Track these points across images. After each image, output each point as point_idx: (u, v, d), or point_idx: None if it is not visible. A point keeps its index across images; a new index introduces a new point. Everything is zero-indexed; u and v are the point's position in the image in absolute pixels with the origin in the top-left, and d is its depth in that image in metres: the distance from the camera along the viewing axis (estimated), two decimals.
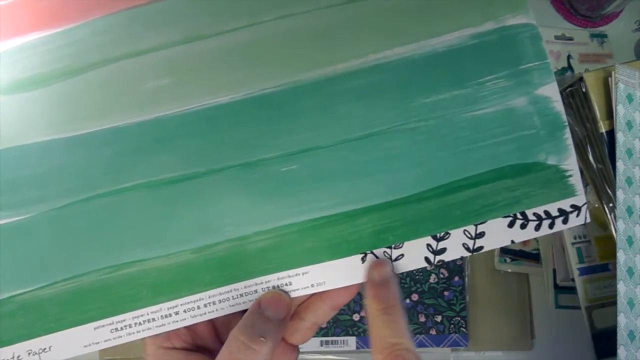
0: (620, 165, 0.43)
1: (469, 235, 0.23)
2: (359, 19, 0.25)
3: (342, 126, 0.24)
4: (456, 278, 0.50)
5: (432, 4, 0.24)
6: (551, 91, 0.23)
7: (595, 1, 0.53)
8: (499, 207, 0.23)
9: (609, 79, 0.44)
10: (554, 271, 0.49)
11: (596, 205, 0.47)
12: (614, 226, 0.43)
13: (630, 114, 0.44)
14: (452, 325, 0.48)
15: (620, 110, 0.44)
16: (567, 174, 0.23)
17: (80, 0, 0.29)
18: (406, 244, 0.23)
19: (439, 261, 0.23)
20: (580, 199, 0.23)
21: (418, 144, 0.23)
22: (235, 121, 0.25)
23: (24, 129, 0.26)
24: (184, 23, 0.27)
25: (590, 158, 0.46)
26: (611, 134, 0.44)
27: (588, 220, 0.23)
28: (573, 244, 0.47)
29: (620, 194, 0.43)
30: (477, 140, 0.23)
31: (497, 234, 0.23)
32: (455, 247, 0.23)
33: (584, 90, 0.45)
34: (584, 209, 0.23)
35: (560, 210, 0.23)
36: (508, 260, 0.52)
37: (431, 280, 0.50)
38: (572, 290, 0.47)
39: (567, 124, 0.23)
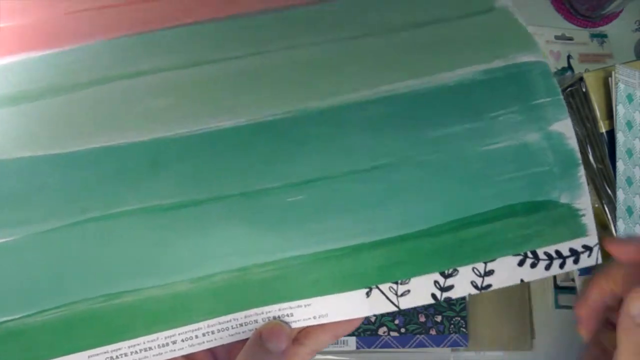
0: (620, 165, 0.43)
1: (477, 273, 0.22)
2: (369, 52, 0.24)
3: (350, 157, 0.23)
4: None
5: (442, 40, 0.24)
6: (565, 127, 0.22)
7: (595, 1, 0.53)
8: (509, 245, 0.22)
9: (609, 79, 0.44)
10: None
11: (596, 205, 0.47)
12: (614, 226, 0.43)
13: (630, 114, 0.44)
14: (452, 325, 0.48)
15: (620, 110, 0.44)
16: (580, 213, 0.22)
17: (81, 25, 0.28)
18: (413, 279, 0.22)
19: (446, 298, 0.22)
20: (592, 239, 0.22)
21: (428, 178, 0.23)
22: (238, 147, 0.23)
23: (7, 143, 0.24)
24: (187, 49, 0.26)
25: (590, 158, 0.46)
26: (611, 134, 0.44)
27: (600, 261, 0.22)
28: None
29: (620, 194, 0.43)
30: (489, 176, 0.22)
31: (507, 272, 0.22)
32: (463, 284, 0.22)
33: (584, 90, 0.45)
34: (595, 249, 0.22)
35: (571, 250, 0.22)
36: None
37: None
38: (572, 290, 0.47)
39: (581, 161, 0.22)
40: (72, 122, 0.25)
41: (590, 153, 0.46)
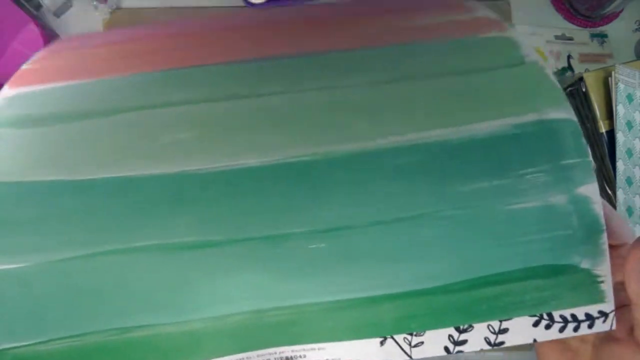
0: (620, 165, 0.43)
1: (492, 330, 0.22)
2: (400, 98, 0.24)
3: (376, 206, 0.22)
4: None
5: (474, 90, 0.24)
6: (592, 191, 0.22)
7: (595, 1, 0.53)
8: (526, 306, 0.22)
9: (609, 79, 0.44)
10: None
11: None
12: None
13: (630, 114, 0.44)
14: None
15: (620, 110, 0.44)
16: (599, 279, 0.22)
17: (108, 60, 0.28)
18: (428, 332, 0.22)
19: (458, 351, 0.22)
20: (609, 306, 0.22)
21: (452, 234, 0.22)
22: (263, 188, 0.23)
23: (26, 165, 0.24)
24: (218, 84, 0.25)
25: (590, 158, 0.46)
26: (611, 134, 0.44)
27: (614, 327, 0.22)
28: None
29: (620, 194, 0.43)
30: (513, 236, 0.22)
31: (521, 331, 0.22)
32: (476, 340, 0.22)
33: (584, 90, 0.45)
34: (611, 315, 0.22)
35: (587, 315, 0.22)
36: None
37: None
38: None
39: (604, 228, 0.22)
40: (94, 149, 0.24)
41: (590, 153, 0.46)
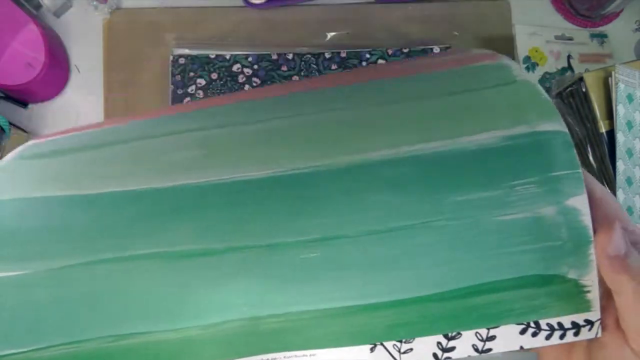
0: (620, 165, 0.43)
1: (480, 338, 0.23)
2: (393, 115, 0.25)
3: (369, 217, 0.23)
4: None
5: (466, 106, 0.24)
6: (581, 203, 0.22)
7: (595, 1, 0.53)
8: (515, 314, 0.22)
9: (609, 79, 0.44)
10: None
11: None
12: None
13: (630, 114, 0.44)
14: None
15: (620, 110, 0.44)
16: (586, 289, 0.22)
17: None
18: (417, 339, 0.23)
19: (446, 358, 0.23)
20: (595, 314, 0.22)
21: (443, 244, 0.23)
22: (260, 199, 0.23)
23: (30, 182, 0.25)
24: (220, 116, 0.27)
25: (590, 158, 0.46)
26: (611, 134, 0.44)
27: (599, 335, 0.22)
28: None
29: (620, 194, 0.43)
30: (503, 246, 0.22)
31: (508, 339, 0.22)
32: (464, 347, 0.23)
33: (584, 90, 0.45)
34: (597, 324, 0.22)
35: (573, 323, 0.23)
36: None
37: None
38: None
39: (592, 239, 0.22)
40: (98, 169, 0.25)
41: (590, 153, 0.46)
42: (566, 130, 0.23)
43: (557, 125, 0.23)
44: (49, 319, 0.23)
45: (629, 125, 0.44)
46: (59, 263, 0.23)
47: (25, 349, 0.23)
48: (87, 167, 0.26)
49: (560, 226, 0.22)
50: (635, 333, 0.21)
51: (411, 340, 0.23)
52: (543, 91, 0.24)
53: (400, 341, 0.23)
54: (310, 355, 0.23)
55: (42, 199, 0.25)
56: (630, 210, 0.43)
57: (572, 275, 0.22)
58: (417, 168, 0.23)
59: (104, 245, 0.23)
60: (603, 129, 0.45)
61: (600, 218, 0.22)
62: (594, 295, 0.22)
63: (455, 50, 0.33)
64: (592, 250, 0.22)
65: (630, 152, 0.44)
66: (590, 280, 0.22)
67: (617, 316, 0.22)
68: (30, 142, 0.30)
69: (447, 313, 0.23)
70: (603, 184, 0.45)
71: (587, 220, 0.22)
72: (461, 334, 0.23)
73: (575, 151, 0.23)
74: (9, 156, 0.28)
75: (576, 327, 0.22)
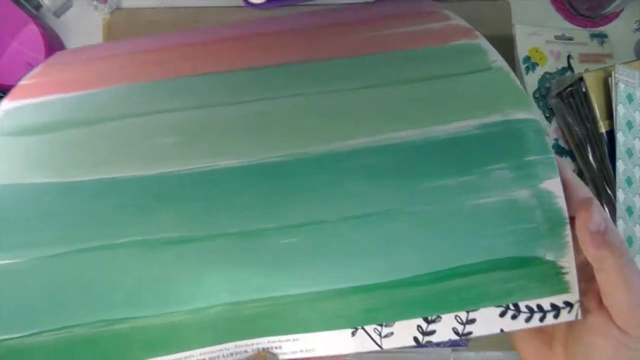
0: (620, 165, 0.43)
1: (459, 321, 0.23)
2: (369, 103, 0.25)
3: (344, 203, 0.23)
4: None
5: (440, 94, 0.25)
6: (555, 186, 0.23)
7: (595, 1, 0.53)
8: (492, 296, 0.23)
9: (609, 79, 0.44)
10: None
11: None
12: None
13: (630, 114, 0.44)
14: None
15: (620, 110, 0.44)
16: (564, 270, 0.23)
17: (100, 72, 0.30)
18: (397, 323, 0.23)
19: (427, 341, 0.23)
20: (573, 296, 0.23)
21: (419, 229, 0.23)
22: (238, 187, 0.24)
23: (21, 169, 0.26)
24: (199, 93, 0.27)
25: (590, 158, 0.46)
26: (611, 134, 0.44)
27: (579, 317, 0.22)
28: None
29: (620, 194, 0.43)
30: (478, 230, 0.23)
31: (488, 322, 0.23)
32: (445, 330, 0.23)
33: (584, 90, 0.45)
34: (576, 306, 0.23)
35: (552, 305, 0.23)
36: None
37: None
38: None
39: (567, 221, 0.22)
40: (81, 154, 0.26)
41: (590, 153, 0.46)
42: (537, 118, 0.24)
43: (528, 113, 0.24)
44: (41, 305, 0.23)
45: (629, 125, 0.44)
46: (48, 252, 0.24)
47: (18, 335, 0.23)
48: (68, 151, 0.26)
49: (535, 209, 0.22)
50: (619, 309, 0.21)
51: (392, 324, 0.23)
52: (516, 79, 0.25)
53: (381, 325, 0.23)
54: (294, 340, 0.23)
55: (26, 185, 0.25)
56: (630, 210, 0.43)
57: (549, 257, 0.22)
58: (392, 156, 0.23)
59: (91, 233, 0.24)
60: (603, 129, 0.45)
61: (576, 198, 0.23)
62: (571, 276, 0.22)
63: (428, 10, 0.32)
64: (567, 232, 0.22)
65: (630, 152, 0.44)
66: (568, 262, 0.22)
67: (599, 297, 0.22)
68: (9, 106, 0.29)
69: (424, 296, 0.23)
70: (603, 184, 0.45)
71: (561, 202, 0.22)
72: (441, 318, 0.23)
73: (546, 138, 0.23)
74: None
75: (555, 309, 0.23)
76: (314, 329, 0.23)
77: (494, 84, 0.25)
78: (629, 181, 0.43)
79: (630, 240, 0.42)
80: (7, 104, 0.30)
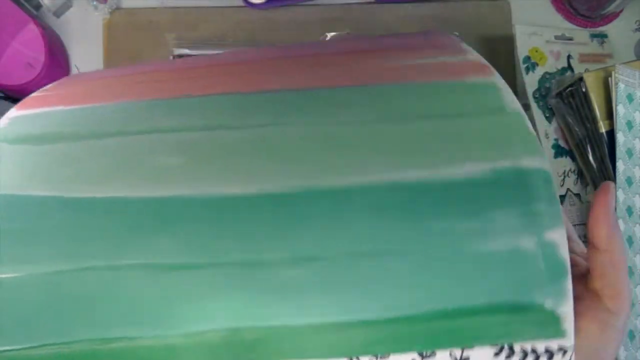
0: (620, 165, 0.43)
1: (454, 357, 0.23)
2: (382, 137, 0.25)
3: (350, 240, 0.23)
4: None
5: (454, 134, 0.25)
6: (559, 237, 0.23)
7: (595, 1, 0.53)
8: (489, 337, 0.23)
9: (609, 79, 0.44)
10: None
11: None
12: None
13: (630, 114, 0.44)
14: None
15: (620, 110, 0.44)
16: (562, 318, 0.23)
17: (109, 88, 0.30)
18: (392, 355, 0.23)
19: None
20: (568, 341, 0.23)
21: (421, 268, 0.23)
22: (245, 217, 0.24)
23: (23, 180, 0.25)
24: (209, 113, 0.27)
25: (590, 158, 0.46)
26: (611, 134, 0.44)
27: None
28: None
29: (620, 194, 0.43)
30: (479, 273, 0.23)
31: None
32: None
33: (584, 90, 0.45)
34: (570, 351, 0.23)
35: (547, 349, 0.23)
36: None
37: None
38: None
39: (569, 271, 0.22)
40: (85, 168, 0.26)
41: (590, 153, 0.46)
42: (548, 167, 0.24)
43: (540, 162, 0.24)
44: (41, 319, 0.24)
45: (629, 125, 0.44)
46: (49, 268, 0.24)
47: (19, 346, 0.24)
48: (72, 165, 0.26)
49: (537, 257, 0.23)
50: (613, 289, 0.23)
51: (387, 356, 0.23)
52: (529, 125, 0.25)
53: (376, 356, 0.24)
54: None
55: (28, 198, 0.25)
56: (630, 210, 0.43)
57: (548, 305, 0.23)
58: (402, 195, 0.23)
59: (93, 252, 0.24)
60: (603, 129, 0.45)
61: (600, 187, 0.25)
62: (569, 325, 0.23)
63: (444, 43, 0.31)
64: (569, 282, 0.22)
65: (630, 152, 0.44)
66: (567, 311, 0.22)
67: (585, 282, 0.24)
68: (15, 114, 0.29)
69: (421, 333, 0.23)
70: None
71: (564, 253, 0.23)
72: (435, 353, 0.23)
73: (555, 188, 0.24)
74: None
75: (549, 353, 0.23)
76: (311, 356, 0.24)
77: (507, 128, 0.25)
78: (629, 181, 0.43)
79: (630, 240, 0.42)
80: (14, 112, 0.30)
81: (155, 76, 0.32)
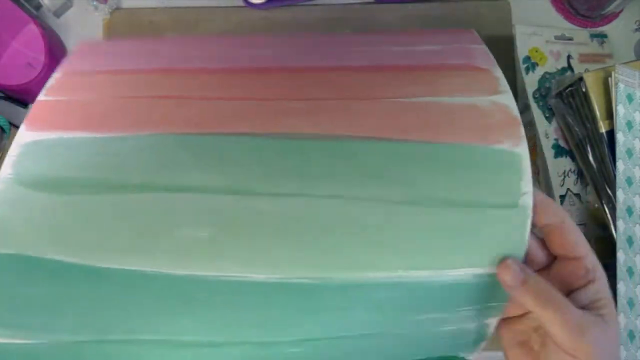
0: (620, 165, 0.43)
1: None
2: (399, 227, 0.26)
3: (348, 327, 0.26)
4: None
5: (463, 233, 0.26)
6: (494, 321, 0.27)
7: (595, 1, 0.53)
8: None
9: (609, 79, 0.44)
10: None
11: (596, 206, 0.47)
12: (614, 226, 0.43)
13: (630, 114, 0.44)
14: None
15: (620, 110, 0.44)
16: None
17: (132, 114, 0.28)
18: None
19: None
20: None
21: (395, 345, 0.27)
22: (264, 303, 0.25)
23: (40, 238, 0.24)
24: (235, 167, 0.26)
25: (590, 158, 0.46)
26: (611, 134, 0.44)
27: None
28: None
29: (620, 194, 0.43)
30: (432, 346, 0.28)
31: None
32: None
33: (584, 90, 0.45)
34: None
35: None
36: None
37: None
38: None
39: (484, 341, 0.28)
40: (109, 234, 0.25)
41: (590, 153, 0.46)
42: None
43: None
44: None
45: (629, 125, 0.44)
46: (69, 338, 0.24)
47: None
48: (95, 228, 0.25)
49: (472, 334, 0.27)
50: (576, 248, 0.26)
51: None
52: (528, 230, 0.26)
53: None
54: None
55: (47, 262, 0.24)
56: (630, 210, 0.43)
57: (462, 355, 0.28)
58: (401, 293, 0.26)
59: (113, 325, 0.24)
60: (603, 129, 0.45)
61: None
62: None
63: (476, 62, 0.31)
64: (481, 346, 0.28)
65: (630, 152, 0.44)
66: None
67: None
68: (27, 139, 0.27)
69: None
70: (603, 184, 0.45)
71: (490, 330, 0.27)
72: None
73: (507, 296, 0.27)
74: (6, 168, 0.26)
75: None
76: None
77: (509, 232, 0.26)
78: (629, 181, 0.43)
79: (630, 240, 0.42)
80: (26, 133, 0.27)
81: (176, 86, 0.29)
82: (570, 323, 0.23)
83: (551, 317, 0.24)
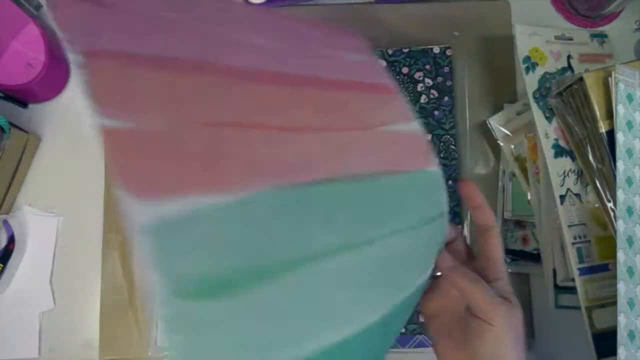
0: (620, 165, 0.43)
1: None
2: (358, 274, 0.25)
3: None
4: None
5: (396, 262, 0.27)
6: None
7: (595, 1, 0.53)
8: None
9: (609, 79, 0.44)
10: (554, 271, 0.49)
11: (596, 205, 0.47)
12: (614, 226, 0.43)
13: (630, 114, 0.44)
14: None
15: (620, 110, 0.44)
16: None
17: (239, 158, 0.21)
18: None
19: None
20: None
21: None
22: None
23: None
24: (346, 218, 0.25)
25: (590, 158, 0.46)
26: (611, 134, 0.44)
27: None
28: (573, 244, 0.47)
29: (620, 194, 0.43)
30: None
31: None
32: None
33: (584, 90, 0.45)
34: None
35: None
36: (508, 260, 0.52)
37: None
38: (572, 290, 0.47)
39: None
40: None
41: (590, 153, 0.46)
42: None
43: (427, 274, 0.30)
44: None
45: (629, 125, 0.44)
46: None
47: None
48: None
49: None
50: (479, 308, 0.30)
51: None
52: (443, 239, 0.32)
53: None
54: None
55: None
56: (630, 210, 0.43)
57: None
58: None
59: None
60: (603, 129, 0.45)
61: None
62: None
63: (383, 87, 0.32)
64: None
65: (630, 152, 0.44)
66: None
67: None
68: (149, 220, 0.17)
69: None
70: (603, 184, 0.45)
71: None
72: None
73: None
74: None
75: None
76: None
77: (440, 235, 0.31)
78: (629, 181, 0.43)
79: (630, 240, 0.42)
80: (146, 211, 0.17)
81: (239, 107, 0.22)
82: (490, 296, 0.30)
83: (475, 290, 0.30)
